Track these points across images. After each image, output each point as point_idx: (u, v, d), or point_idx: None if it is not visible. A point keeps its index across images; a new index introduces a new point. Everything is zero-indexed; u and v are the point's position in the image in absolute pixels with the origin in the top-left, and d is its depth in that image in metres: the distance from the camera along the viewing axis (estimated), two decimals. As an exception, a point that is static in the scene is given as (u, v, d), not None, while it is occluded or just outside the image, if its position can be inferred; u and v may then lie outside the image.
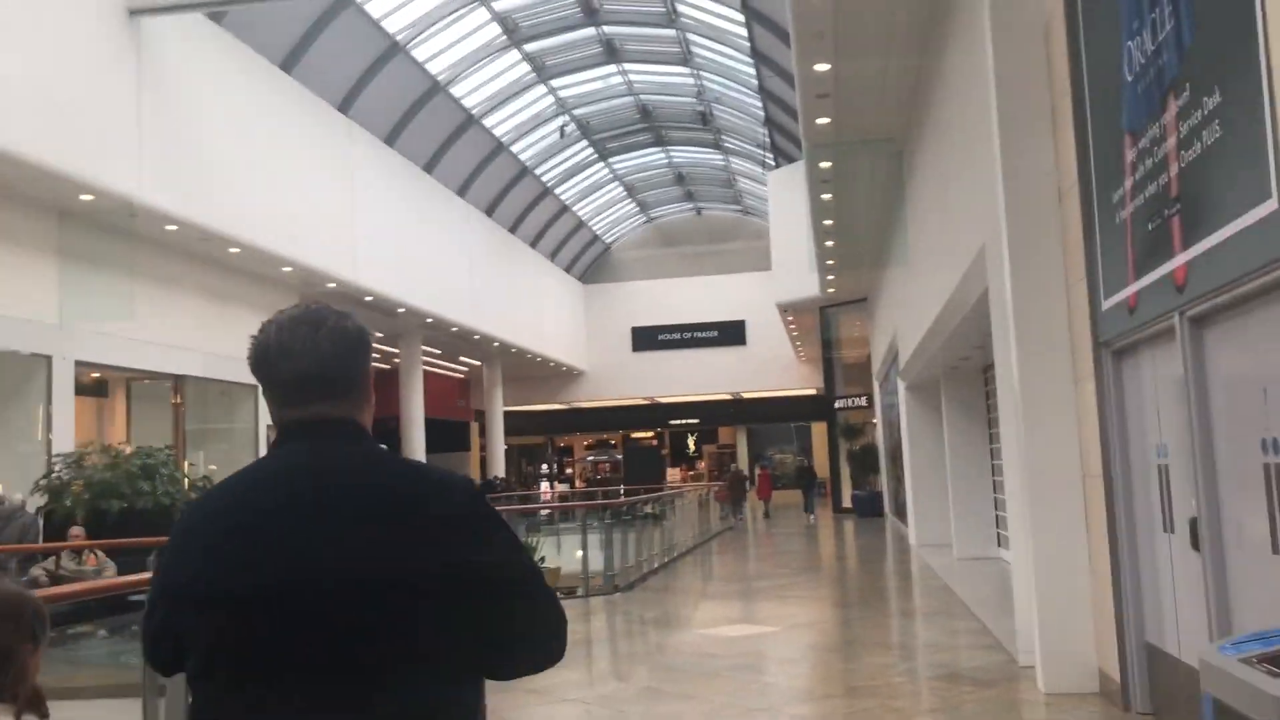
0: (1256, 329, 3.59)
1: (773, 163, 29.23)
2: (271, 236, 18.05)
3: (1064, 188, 5.81)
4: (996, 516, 14.10)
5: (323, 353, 1.69)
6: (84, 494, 9.95)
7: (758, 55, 23.19)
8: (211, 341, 18.30)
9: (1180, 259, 4.03)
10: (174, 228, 16.00)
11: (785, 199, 25.71)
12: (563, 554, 13.75)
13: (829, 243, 19.32)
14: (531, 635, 1.66)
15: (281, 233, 18.37)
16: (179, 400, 18.06)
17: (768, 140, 28.81)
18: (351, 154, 21.49)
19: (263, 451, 10.11)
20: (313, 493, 1.61)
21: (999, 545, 13.99)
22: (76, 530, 9.85)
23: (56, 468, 10.28)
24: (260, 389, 1.76)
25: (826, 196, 16.34)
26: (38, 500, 10.32)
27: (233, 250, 17.65)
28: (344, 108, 21.51)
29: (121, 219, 14.93)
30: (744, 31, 22.56)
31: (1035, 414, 5.93)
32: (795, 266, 25.32)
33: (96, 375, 17.49)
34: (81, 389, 17.58)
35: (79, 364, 15.45)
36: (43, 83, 13.03)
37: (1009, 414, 6.50)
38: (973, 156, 7.72)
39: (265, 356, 1.70)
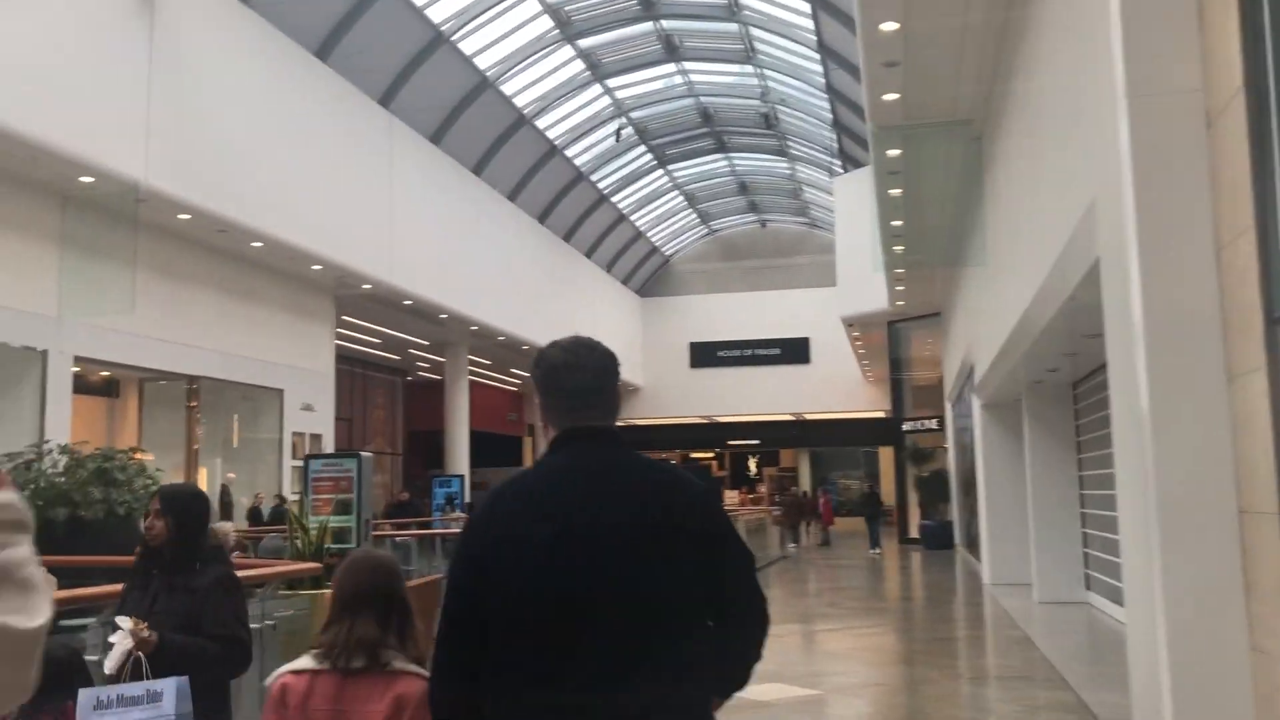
0: None
1: (840, 169, 27.53)
2: (299, 231, 16.88)
3: (1216, 108, 4.19)
4: (1085, 555, 12.26)
5: (599, 367, 2.12)
6: (35, 500, 8.64)
7: (825, 50, 21.60)
8: (232, 341, 17.16)
9: None
10: (187, 217, 14.91)
11: (852, 206, 24.06)
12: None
13: (897, 247, 17.62)
14: (747, 601, 2.05)
15: (311, 228, 17.20)
16: (195, 403, 16.90)
17: (835, 145, 27.14)
18: (392, 150, 20.30)
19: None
20: (600, 483, 2.01)
21: (1087, 588, 12.15)
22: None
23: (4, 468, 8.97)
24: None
25: (895, 192, 14.68)
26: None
27: (255, 245, 16.51)
28: (385, 101, 20.36)
29: (128, 205, 13.79)
30: (810, 23, 21.00)
31: (1169, 424, 4.25)
32: (862, 279, 23.71)
33: (106, 374, 16.42)
34: (89, 388, 16.55)
35: (80, 360, 14.38)
36: (45, 57, 11.97)
37: (1126, 425, 4.84)
38: (1078, 104, 6.09)
39: (555, 370, 2.10)
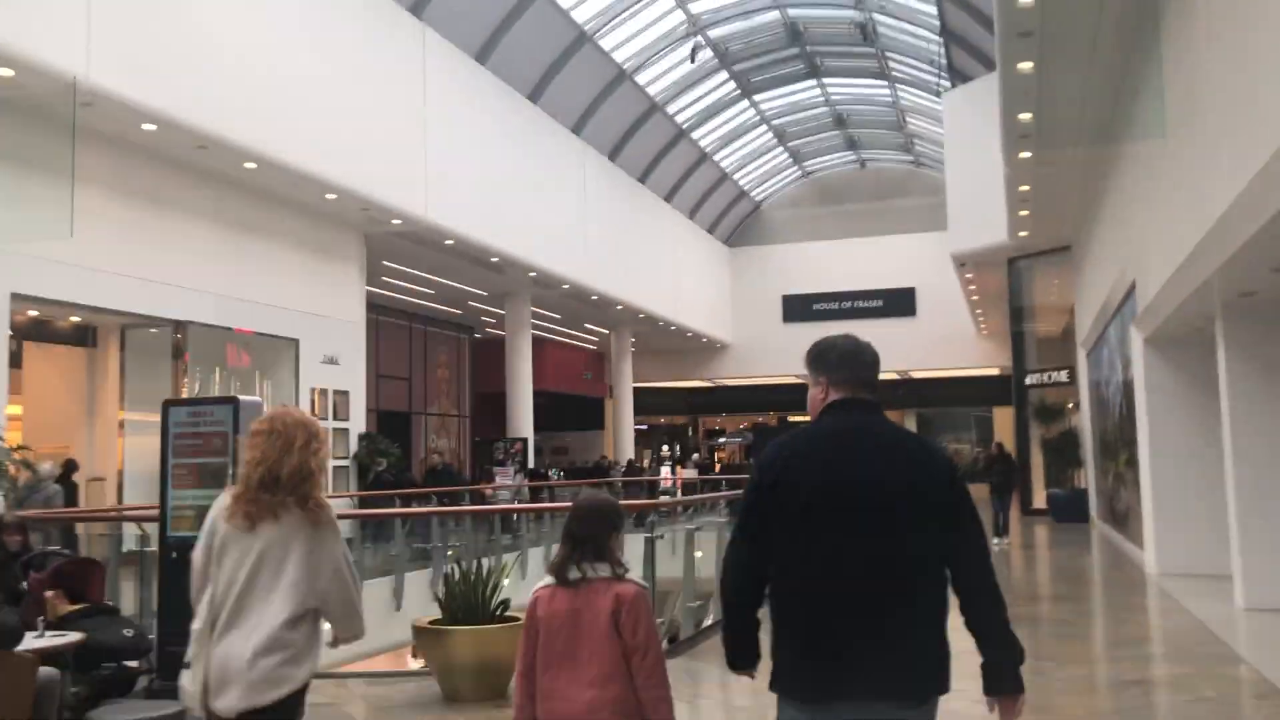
0: None
1: (949, 85, 23.85)
2: (303, 152, 14.19)
3: None
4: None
5: (870, 360, 2.87)
6: None
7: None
8: (231, 283, 14.61)
9: None
10: (152, 127, 12.34)
11: (965, 125, 20.58)
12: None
13: (1024, 153, 14.15)
14: (973, 546, 2.74)
15: (320, 150, 14.49)
16: (184, 353, 14.38)
17: (943, 59, 23.48)
18: (425, 66, 17.45)
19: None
20: (865, 441, 2.74)
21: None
22: None
23: None
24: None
25: (1025, 66, 11.27)
26: None
27: (248, 165, 13.88)
28: (415, 9, 17.54)
29: (65, 107, 11.12)
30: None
31: None
32: (977, 210, 20.31)
33: (77, 319, 13.98)
34: (60, 336, 14.17)
35: (21, 299, 11.95)
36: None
37: None
38: None
39: (849, 353, 2.86)
